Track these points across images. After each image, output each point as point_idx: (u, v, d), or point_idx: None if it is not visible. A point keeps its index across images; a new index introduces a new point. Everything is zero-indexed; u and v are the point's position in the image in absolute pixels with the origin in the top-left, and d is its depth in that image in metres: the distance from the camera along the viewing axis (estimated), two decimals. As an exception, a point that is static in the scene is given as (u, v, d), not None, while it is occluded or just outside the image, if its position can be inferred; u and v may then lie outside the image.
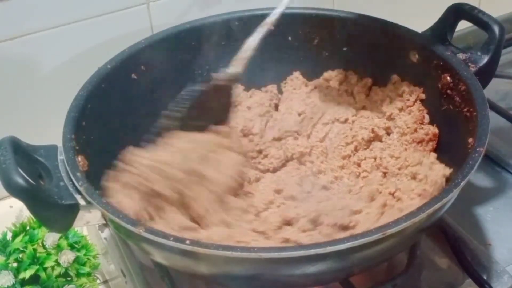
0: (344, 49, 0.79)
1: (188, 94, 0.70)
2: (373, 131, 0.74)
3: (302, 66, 0.81)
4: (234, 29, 0.78)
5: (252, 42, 0.70)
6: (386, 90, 0.77)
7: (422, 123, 0.73)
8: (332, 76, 0.80)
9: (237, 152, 0.68)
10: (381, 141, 0.74)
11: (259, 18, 0.78)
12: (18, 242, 0.66)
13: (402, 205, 0.61)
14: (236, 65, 0.70)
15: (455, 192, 0.55)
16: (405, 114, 0.74)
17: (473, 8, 0.69)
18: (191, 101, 0.69)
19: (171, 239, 0.51)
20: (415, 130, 0.72)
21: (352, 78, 0.79)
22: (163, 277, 0.64)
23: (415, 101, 0.74)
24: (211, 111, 0.70)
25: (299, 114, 0.78)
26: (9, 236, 0.68)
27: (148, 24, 0.82)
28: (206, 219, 0.61)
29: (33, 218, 0.68)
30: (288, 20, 0.78)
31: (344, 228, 0.60)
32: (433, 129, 0.71)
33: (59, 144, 0.60)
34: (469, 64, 0.67)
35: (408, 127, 0.72)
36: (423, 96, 0.74)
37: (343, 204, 0.63)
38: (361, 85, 0.79)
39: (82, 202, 0.56)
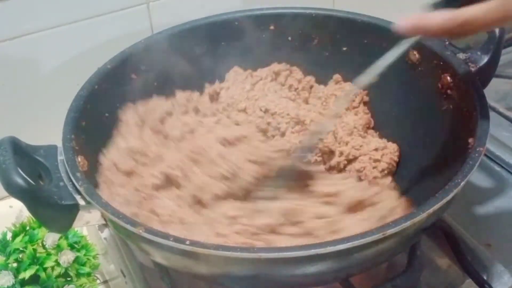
0: (344, 49, 0.78)
1: None
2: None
3: (302, 66, 0.81)
4: (234, 29, 0.78)
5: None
6: (330, 89, 0.78)
7: (368, 128, 0.75)
8: (280, 70, 0.79)
9: None
10: None
11: (259, 18, 0.78)
12: (18, 242, 0.66)
13: None
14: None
15: (455, 192, 0.55)
16: (351, 114, 0.76)
17: (473, 8, 0.69)
18: None
19: (171, 239, 0.51)
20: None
21: (297, 74, 0.79)
22: (163, 277, 0.64)
23: (360, 103, 0.76)
24: None
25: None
26: (9, 236, 0.68)
27: (148, 24, 0.82)
28: None
29: (33, 218, 0.68)
30: (288, 20, 0.78)
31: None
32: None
33: (59, 144, 0.60)
34: (469, 64, 0.67)
35: (355, 127, 0.73)
36: (366, 98, 0.77)
37: None
38: (305, 81, 0.79)
39: (82, 202, 0.56)
